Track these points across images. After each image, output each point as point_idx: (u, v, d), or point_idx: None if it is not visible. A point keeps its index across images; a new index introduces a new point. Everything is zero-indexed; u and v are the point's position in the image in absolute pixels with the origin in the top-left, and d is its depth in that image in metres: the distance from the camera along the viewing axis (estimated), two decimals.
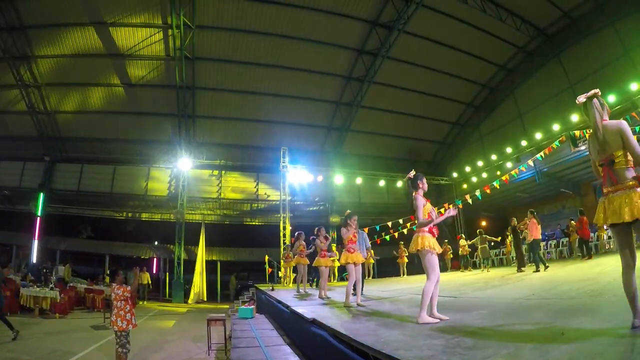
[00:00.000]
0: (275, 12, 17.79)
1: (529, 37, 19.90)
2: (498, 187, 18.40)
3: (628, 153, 3.08)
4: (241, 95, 21.51)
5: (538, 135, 18.56)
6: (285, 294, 10.97)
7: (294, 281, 15.37)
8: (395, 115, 23.70)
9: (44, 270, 18.00)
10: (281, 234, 19.35)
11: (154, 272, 24.58)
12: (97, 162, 22.89)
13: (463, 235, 19.17)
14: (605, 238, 15.32)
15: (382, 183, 23.20)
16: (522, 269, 12.32)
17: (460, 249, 18.42)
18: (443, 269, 18.58)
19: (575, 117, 16.20)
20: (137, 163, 23.23)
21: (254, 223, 25.16)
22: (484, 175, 21.18)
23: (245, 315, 9.58)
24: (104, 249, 23.76)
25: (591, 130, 3.35)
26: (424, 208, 4.97)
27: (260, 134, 23.43)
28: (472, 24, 18.94)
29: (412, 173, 5.25)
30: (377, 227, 19.36)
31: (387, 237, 19.12)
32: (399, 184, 22.61)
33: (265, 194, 24.45)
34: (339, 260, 9.63)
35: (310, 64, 20.34)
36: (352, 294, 7.23)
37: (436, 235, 4.95)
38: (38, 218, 20.64)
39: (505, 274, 11.99)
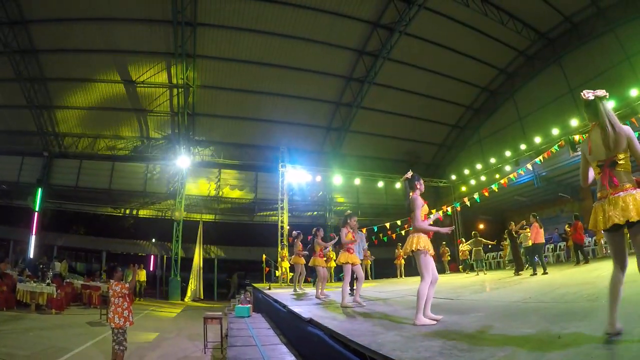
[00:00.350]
0: (277, 11, 17.78)
1: (530, 41, 19.93)
2: (497, 191, 18.41)
3: (633, 157, 3.09)
4: (241, 93, 21.50)
5: (537, 139, 18.55)
6: (283, 293, 10.96)
7: (291, 280, 15.38)
8: (395, 117, 23.71)
9: (41, 266, 17.96)
10: (279, 234, 19.33)
11: (151, 269, 24.58)
12: (95, 159, 22.85)
13: (463, 240, 19.17)
14: (603, 242, 15.33)
15: (380, 184, 23.20)
16: (520, 272, 12.32)
17: (461, 253, 18.43)
18: (441, 271, 18.64)
19: (574, 122, 16.19)
20: (135, 160, 23.22)
21: (251, 222, 25.17)
22: (483, 178, 21.18)
23: (242, 314, 9.58)
24: (101, 245, 23.74)
25: (592, 130, 3.32)
26: (421, 209, 4.98)
27: (260, 133, 23.44)
28: (473, 27, 18.96)
29: (410, 174, 5.26)
30: (375, 228, 19.38)
31: (385, 238, 19.13)
32: (398, 185, 22.59)
33: (264, 193, 24.43)
34: (335, 260, 9.65)
35: (311, 64, 20.34)
36: (349, 294, 7.23)
37: (431, 237, 4.94)
38: (36, 213, 20.61)
39: (502, 277, 12.01)
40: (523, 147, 19.60)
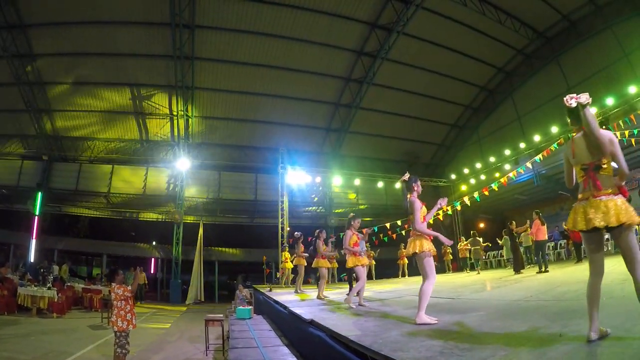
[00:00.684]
0: (275, 13, 17.79)
1: (528, 40, 19.95)
2: (496, 190, 18.41)
3: (614, 162, 3.15)
4: (240, 95, 21.51)
5: (536, 138, 18.57)
6: (283, 294, 10.96)
7: (292, 282, 15.37)
8: (394, 117, 23.71)
9: (41, 270, 17.96)
10: (279, 235, 19.34)
11: (152, 272, 24.57)
12: (95, 162, 22.87)
13: (463, 238, 19.18)
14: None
15: (380, 184, 23.20)
16: (521, 271, 12.31)
17: (460, 252, 18.44)
18: (442, 270, 18.65)
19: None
20: (135, 163, 23.22)
21: (251, 224, 25.18)
22: (483, 177, 21.19)
23: (243, 316, 9.57)
24: (101, 248, 23.73)
25: (577, 134, 3.39)
26: (420, 211, 5.00)
27: (259, 135, 23.46)
28: (471, 26, 18.98)
29: (406, 176, 5.27)
30: (375, 229, 19.38)
31: (385, 239, 19.12)
32: (397, 185, 22.60)
33: (263, 194, 24.42)
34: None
35: (310, 65, 20.36)
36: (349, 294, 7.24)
37: (432, 238, 4.96)
38: (36, 217, 20.60)
39: (502, 276, 12.00)
40: (522, 145, 19.63)
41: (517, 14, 18.42)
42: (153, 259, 25.49)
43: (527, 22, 18.99)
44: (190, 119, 21.76)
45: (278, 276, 19.19)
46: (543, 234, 11.77)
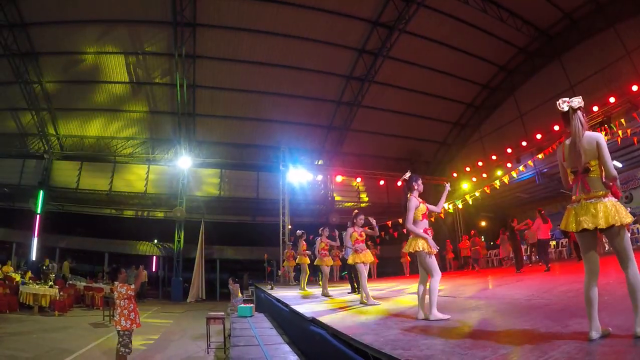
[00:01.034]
0: (276, 11, 17.77)
1: (530, 38, 19.89)
2: (498, 188, 18.39)
3: (601, 164, 3.19)
4: (241, 93, 21.49)
5: (538, 136, 18.55)
6: (285, 292, 10.97)
7: (294, 279, 15.39)
8: (396, 115, 23.67)
9: (43, 267, 18.01)
10: (280, 233, 19.36)
11: (154, 270, 24.60)
12: (96, 160, 22.90)
13: (467, 237, 19.18)
14: (604, 241, 15.29)
15: (382, 182, 23.18)
16: (522, 269, 12.29)
17: (462, 251, 18.47)
18: (443, 268, 18.63)
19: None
20: (137, 161, 23.25)
21: (253, 222, 25.19)
22: (484, 175, 21.17)
23: (245, 314, 9.59)
24: (103, 246, 23.74)
25: (568, 138, 3.44)
26: (417, 210, 5.03)
27: (260, 133, 23.45)
28: (472, 24, 18.92)
29: (407, 175, 5.30)
30: (377, 227, 19.34)
31: (387, 237, 19.12)
32: (399, 183, 22.59)
33: (265, 192, 24.44)
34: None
35: (311, 63, 20.32)
36: (354, 292, 7.26)
37: (431, 236, 4.96)
38: (37, 216, 20.63)
39: (504, 275, 12.00)
40: (524, 143, 19.59)
41: (519, 11, 18.36)
42: (154, 257, 25.50)
43: (529, 20, 18.93)
44: (192, 117, 21.77)
45: (280, 274, 19.21)
46: (545, 232, 11.73)
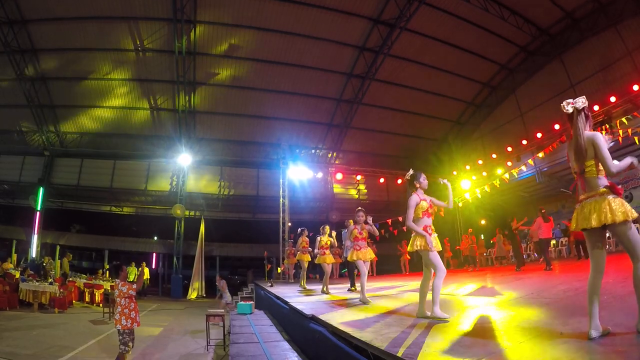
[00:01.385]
0: (276, 8, 17.72)
1: (531, 37, 19.84)
2: (498, 186, 18.35)
3: (599, 163, 3.21)
4: (241, 91, 21.46)
5: (539, 135, 18.53)
6: (285, 290, 10.99)
7: (294, 276, 15.41)
8: (396, 113, 23.66)
9: (44, 264, 18.04)
10: (280, 230, 19.37)
11: (154, 267, 24.66)
12: (97, 157, 22.90)
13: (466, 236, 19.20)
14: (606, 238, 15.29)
15: (382, 180, 23.18)
16: (521, 267, 12.29)
17: (463, 250, 18.51)
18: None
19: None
20: (137, 158, 23.25)
21: (253, 219, 25.21)
22: (484, 173, 21.15)
23: (244, 311, 9.60)
24: (103, 243, 23.79)
25: (571, 140, 3.45)
26: (418, 207, 5.01)
27: (261, 130, 23.43)
28: (474, 23, 18.88)
29: (409, 173, 5.29)
30: (377, 225, 19.36)
31: (387, 235, 19.15)
32: (399, 181, 22.61)
33: (265, 190, 24.46)
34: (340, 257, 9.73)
35: (312, 60, 20.29)
36: (350, 289, 7.27)
37: (431, 234, 4.94)
38: (37, 213, 20.65)
39: (504, 273, 12.00)
40: (524, 142, 19.58)
41: (520, 10, 18.31)
42: (154, 254, 25.57)
43: (531, 19, 18.89)
44: (192, 114, 21.78)
45: (280, 271, 19.24)
46: (546, 231, 11.70)
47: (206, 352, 9.09)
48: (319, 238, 9.92)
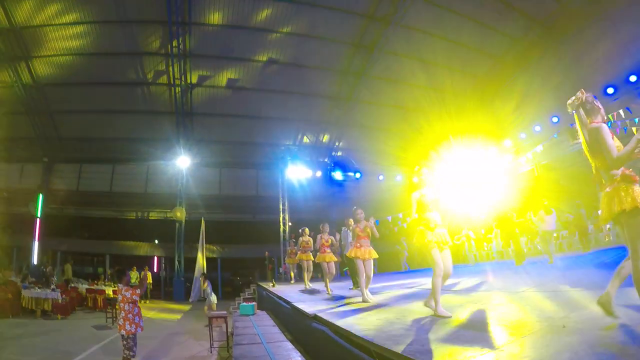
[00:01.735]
0: (275, 8, 17.69)
1: (527, 29, 19.80)
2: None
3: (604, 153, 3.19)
4: (239, 91, 21.44)
5: (537, 128, 18.52)
6: (287, 290, 10.99)
7: (297, 277, 15.40)
8: (394, 109, 23.62)
9: (44, 271, 18.03)
10: (281, 230, 19.38)
11: (155, 270, 24.65)
12: (95, 162, 22.88)
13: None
14: (606, 229, 15.31)
15: (381, 177, 23.17)
16: (522, 262, 12.28)
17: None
18: None
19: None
20: (136, 161, 23.22)
21: (253, 220, 25.20)
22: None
23: (247, 312, 9.62)
24: (104, 248, 23.77)
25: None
26: (418, 202, 5.01)
27: (259, 131, 23.38)
28: (469, 16, 18.85)
29: (416, 169, 5.30)
30: (377, 222, 19.36)
31: (387, 232, 19.16)
32: (399, 178, 22.62)
33: (265, 190, 24.45)
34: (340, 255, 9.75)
35: (309, 60, 20.26)
36: (352, 288, 7.28)
37: (434, 229, 4.91)
38: (38, 219, 20.63)
39: (504, 268, 12.01)
40: (523, 136, 19.56)
41: (515, 2, 18.27)
42: (156, 258, 25.54)
43: (526, 11, 18.85)
44: (190, 116, 21.77)
45: (281, 271, 19.25)
46: (549, 224, 11.68)
47: (210, 354, 9.09)
48: (319, 237, 9.91)
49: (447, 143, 26.59)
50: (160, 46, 18.88)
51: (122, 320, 6.49)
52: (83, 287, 16.86)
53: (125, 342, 6.47)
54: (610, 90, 15.19)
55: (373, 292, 8.45)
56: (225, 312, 11.00)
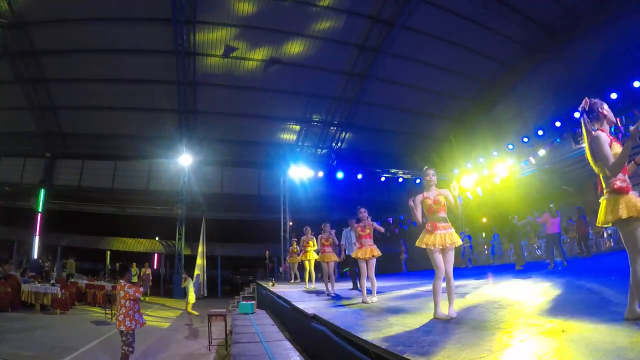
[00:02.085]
0: (275, 7, 17.70)
1: (530, 33, 19.78)
2: (498, 184, 18.30)
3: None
4: (243, 90, 21.45)
5: (539, 132, 18.50)
6: (287, 289, 10.99)
7: (296, 277, 15.40)
8: (396, 111, 23.61)
9: (44, 266, 18.07)
10: (282, 230, 19.38)
11: (155, 267, 24.71)
12: (98, 158, 22.94)
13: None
14: (605, 236, 15.32)
15: (382, 179, 23.16)
16: (522, 266, 12.29)
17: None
18: None
19: (576, 114, 16.14)
20: (138, 159, 23.26)
21: (254, 219, 25.22)
22: (485, 171, 21.13)
23: (246, 311, 9.62)
24: (105, 244, 23.85)
25: None
26: (423, 204, 4.99)
27: (262, 130, 23.43)
28: (473, 20, 18.83)
29: (425, 169, 5.26)
30: (378, 223, 19.36)
31: (388, 233, 19.15)
32: (400, 179, 22.60)
33: (266, 189, 24.47)
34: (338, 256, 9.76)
35: (312, 59, 20.26)
36: (351, 289, 7.29)
37: (437, 232, 4.87)
38: (39, 214, 20.69)
39: (504, 271, 12.00)
40: (525, 140, 19.54)
41: (519, 7, 18.25)
42: (156, 255, 25.61)
43: (530, 16, 18.82)
44: (193, 114, 21.79)
45: (281, 270, 19.25)
46: (554, 226, 11.67)
47: (208, 351, 9.10)
48: (319, 237, 9.93)
49: (449, 146, 26.74)
50: (165, 44, 18.87)
51: (122, 316, 6.48)
52: (83, 282, 16.90)
53: (124, 338, 6.48)
54: (613, 96, 15.13)
55: (374, 294, 8.46)
56: (224, 310, 11.02)
